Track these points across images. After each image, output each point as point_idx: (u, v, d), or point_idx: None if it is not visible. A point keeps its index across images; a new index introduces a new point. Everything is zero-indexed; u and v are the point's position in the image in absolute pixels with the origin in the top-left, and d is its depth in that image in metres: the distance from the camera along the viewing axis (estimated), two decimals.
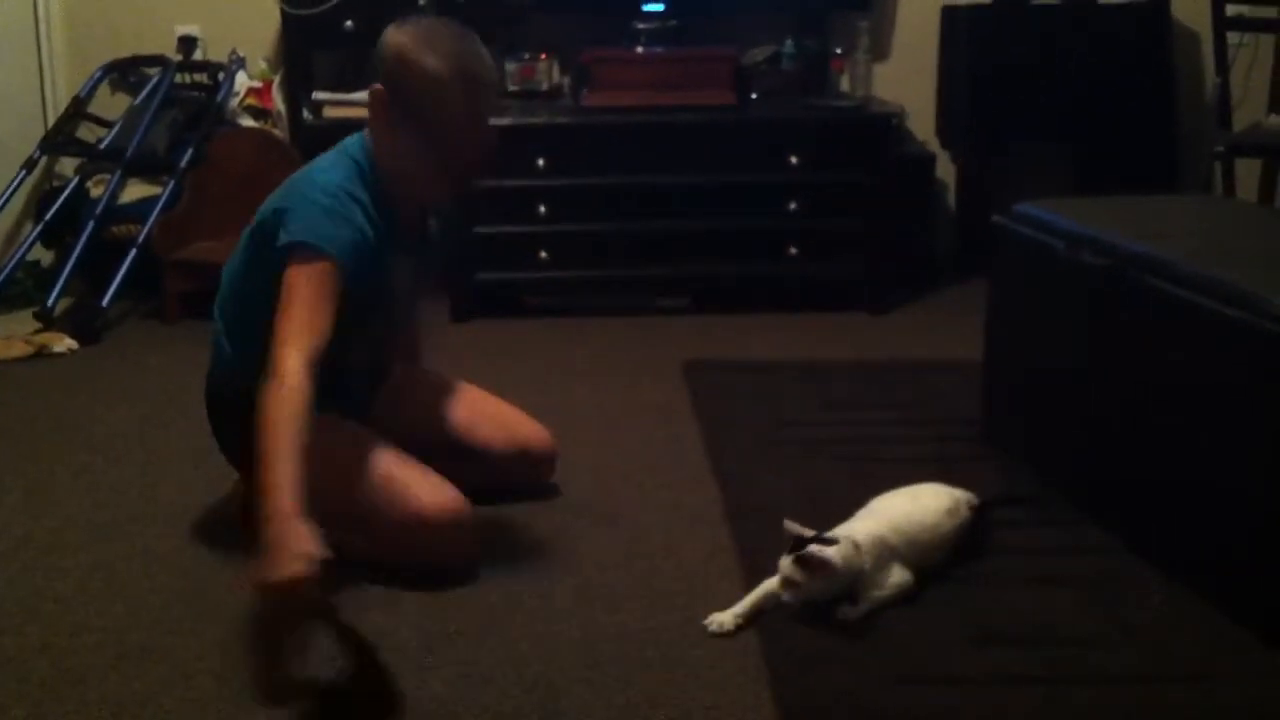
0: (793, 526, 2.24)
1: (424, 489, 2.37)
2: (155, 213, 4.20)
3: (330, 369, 2.22)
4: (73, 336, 3.91)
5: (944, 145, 4.77)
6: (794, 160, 4.23)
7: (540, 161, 4.16)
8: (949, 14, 4.67)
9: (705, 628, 2.20)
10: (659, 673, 2.08)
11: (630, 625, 2.24)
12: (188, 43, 4.62)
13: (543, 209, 4.17)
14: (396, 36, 2.29)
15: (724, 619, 2.21)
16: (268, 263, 2.28)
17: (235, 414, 2.29)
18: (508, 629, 2.23)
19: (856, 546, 2.22)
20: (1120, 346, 2.54)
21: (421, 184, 2.39)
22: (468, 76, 2.27)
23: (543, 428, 2.78)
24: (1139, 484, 2.49)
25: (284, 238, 2.25)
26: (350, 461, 2.39)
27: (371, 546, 2.39)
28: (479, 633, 2.21)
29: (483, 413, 2.75)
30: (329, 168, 2.35)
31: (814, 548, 2.18)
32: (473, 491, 2.44)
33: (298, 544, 1.90)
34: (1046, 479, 2.78)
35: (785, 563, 2.20)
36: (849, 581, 2.22)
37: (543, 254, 4.13)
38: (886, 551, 2.28)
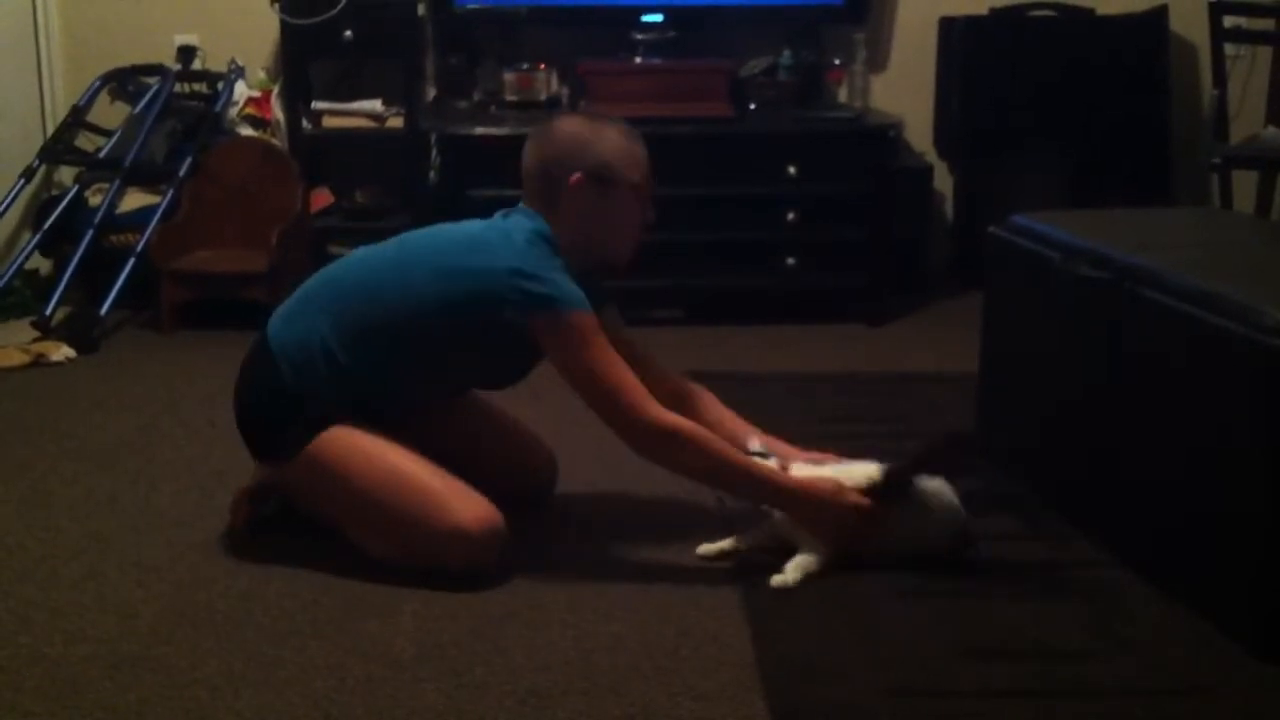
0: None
1: (462, 502, 2.42)
2: (153, 222, 4.20)
3: (420, 383, 2.52)
4: (70, 345, 3.91)
5: (941, 156, 4.78)
6: (791, 171, 4.24)
7: None
8: (946, 25, 4.69)
9: (691, 632, 2.21)
10: (653, 683, 2.08)
11: (624, 636, 2.24)
12: (186, 52, 4.63)
13: None
14: (566, 127, 2.59)
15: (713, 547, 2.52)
16: (483, 318, 2.41)
17: (282, 401, 2.47)
18: (502, 639, 2.23)
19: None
20: (1115, 359, 2.54)
21: (616, 246, 2.60)
22: (636, 136, 2.61)
23: (545, 445, 2.83)
24: (1132, 497, 2.49)
25: (531, 299, 2.38)
26: (391, 466, 2.45)
27: (396, 550, 2.44)
28: (473, 642, 2.21)
29: (486, 426, 2.77)
30: (520, 245, 2.45)
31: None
32: None
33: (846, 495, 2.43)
34: (1041, 492, 2.79)
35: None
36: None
37: None
38: None
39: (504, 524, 2.44)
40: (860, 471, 2.49)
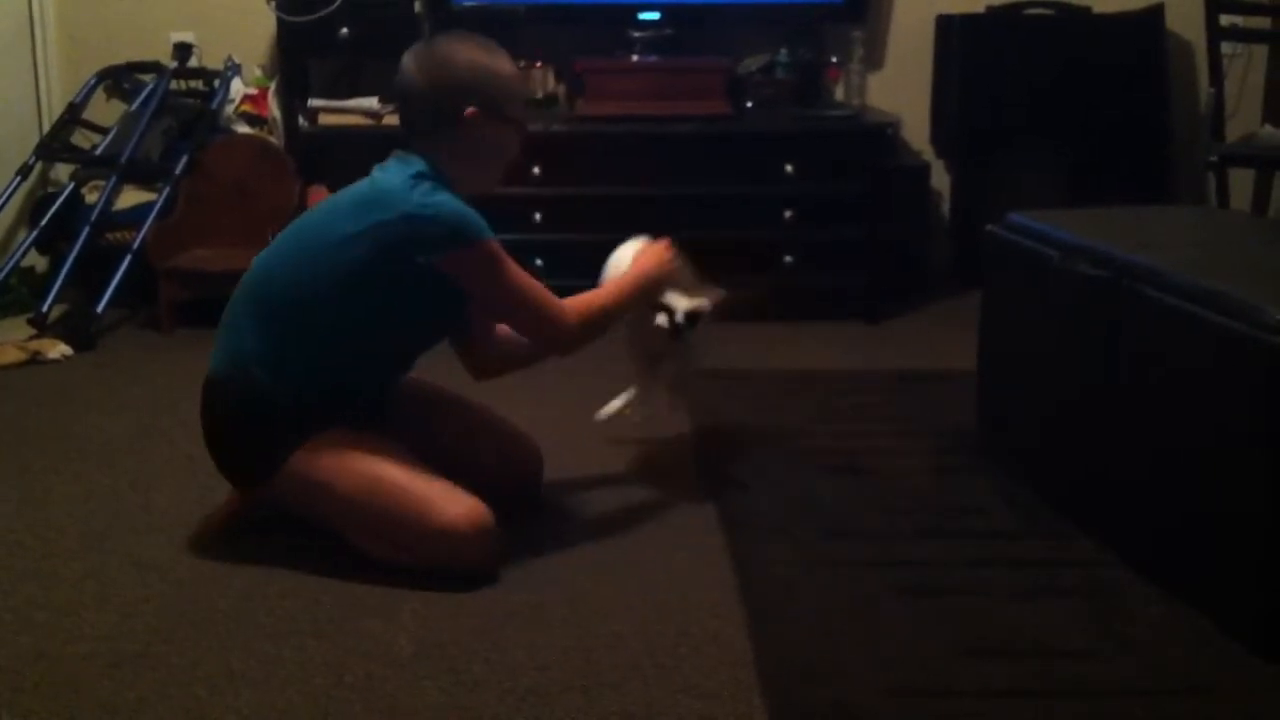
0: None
1: (449, 500, 2.42)
2: (150, 219, 4.20)
3: (365, 360, 2.52)
4: (67, 343, 3.90)
5: (938, 154, 4.78)
6: (789, 170, 4.24)
7: (535, 170, 4.17)
8: (943, 23, 4.69)
9: (691, 632, 2.21)
10: (653, 682, 2.08)
11: (623, 634, 2.23)
12: (183, 49, 4.62)
13: (538, 217, 4.17)
14: (462, 54, 2.51)
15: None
16: (393, 272, 2.41)
17: (245, 422, 2.47)
18: (501, 637, 2.23)
19: None
20: (1115, 357, 2.54)
21: (493, 177, 2.61)
22: (490, 46, 2.55)
23: (531, 439, 2.82)
24: (1132, 496, 2.49)
25: (436, 239, 2.39)
26: (373, 472, 2.44)
27: (393, 553, 2.44)
28: (473, 641, 2.21)
29: (473, 424, 2.77)
30: (413, 181, 2.44)
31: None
32: None
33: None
34: (1040, 490, 2.79)
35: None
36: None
37: (538, 262, 4.13)
38: None
39: (493, 520, 2.44)
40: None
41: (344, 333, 2.47)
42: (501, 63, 2.54)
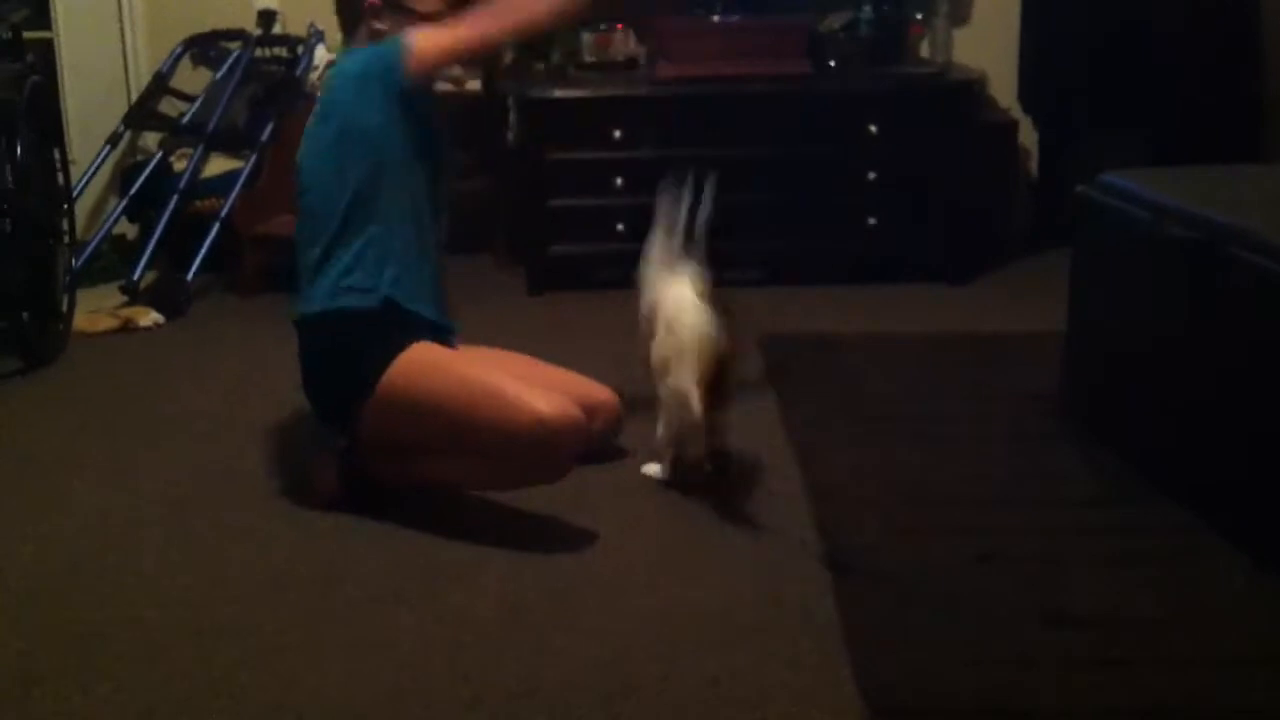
0: None
1: (537, 396, 2.44)
2: (236, 187, 4.24)
3: (410, 230, 2.63)
4: (158, 310, 3.96)
5: (1025, 110, 4.68)
6: (873, 130, 4.18)
7: (616, 134, 4.15)
8: None
9: (775, 599, 2.20)
10: (737, 649, 2.07)
11: (707, 601, 2.23)
12: (267, 17, 4.64)
13: (619, 182, 4.16)
14: None
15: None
16: (362, 127, 2.60)
17: (331, 349, 2.60)
18: (583, 603, 2.24)
19: None
20: (1209, 322, 2.48)
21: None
22: None
23: (603, 386, 2.81)
24: (1222, 463, 2.43)
25: (389, 49, 2.58)
26: (460, 374, 2.52)
27: (482, 465, 2.50)
28: (555, 607, 2.22)
29: (540, 376, 2.71)
30: (339, 71, 2.72)
31: None
32: None
33: None
34: (1126, 456, 2.73)
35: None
36: None
37: (619, 227, 4.12)
38: None
39: (583, 417, 2.47)
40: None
41: (360, 206, 2.58)
42: None
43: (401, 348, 2.53)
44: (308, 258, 2.63)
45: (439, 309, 2.70)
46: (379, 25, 2.67)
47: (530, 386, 2.48)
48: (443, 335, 2.67)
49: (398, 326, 2.57)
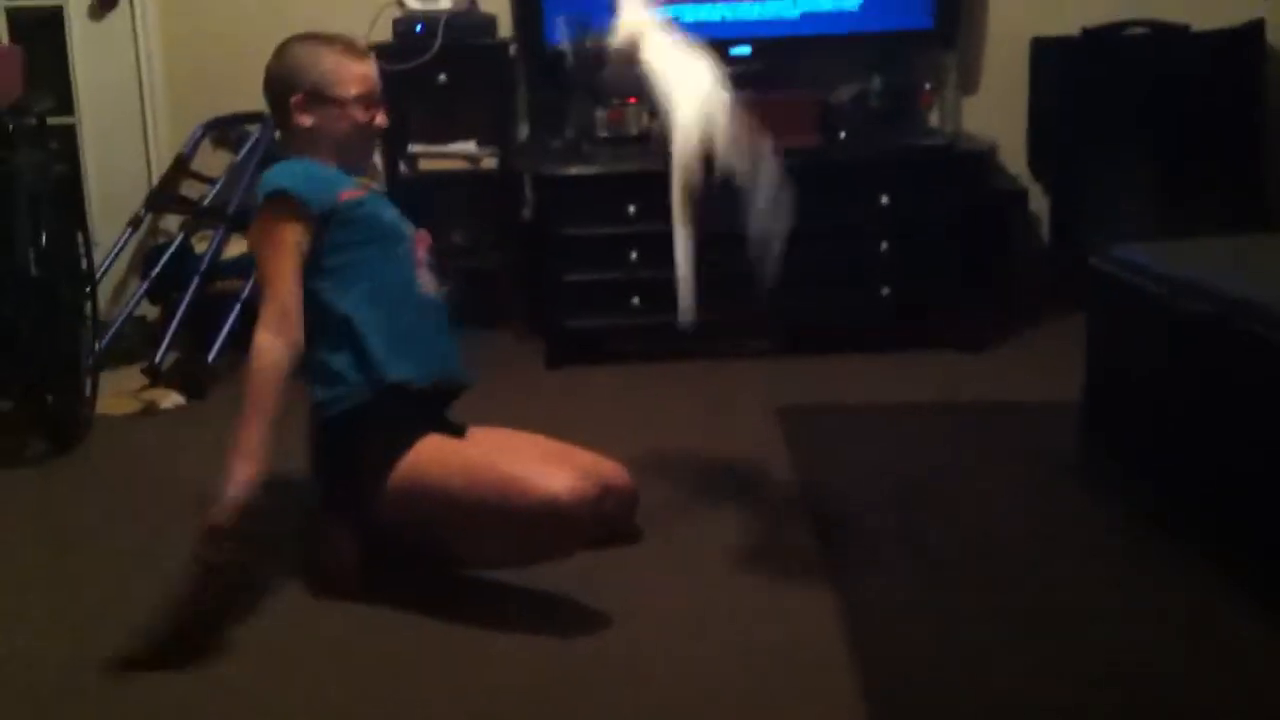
0: None
1: (548, 476, 2.44)
2: None
3: (405, 321, 2.64)
4: (180, 392, 4.00)
5: (1035, 177, 4.72)
6: (884, 200, 4.22)
7: (630, 209, 4.20)
8: (1038, 46, 4.64)
9: (795, 667, 2.21)
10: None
11: (729, 676, 2.24)
12: None
13: (634, 256, 4.20)
14: (289, 48, 2.79)
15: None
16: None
17: (340, 441, 2.63)
18: (596, 687, 2.24)
19: None
20: (1223, 393, 2.50)
21: (349, 156, 2.84)
22: (320, 38, 2.80)
23: (618, 465, 2.78)
24: (1243, 525, 2.45)
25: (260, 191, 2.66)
26: (470, 462, 2.53)
27: (496, 547, 2.53)
28: (565, 691, 2.22)
29: (553, 456, 2.70)
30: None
31: None
32: None
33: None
34: (1146, 520, 2.75)
35: None
36: None
37: (634, 300, 4.16)
38: None
39: (594, 493, 2.47)
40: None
41: (344, 295, 2.64)
42: (324, 51, 2.75)
43: (407, 445, 2.54)
44: (309, 347, 2.65)
45: (446, 362, 2.71)
46: (311, 119, 2.74)
47: (543, 464, 2.49)
48: (449, 396, 2.72)
49: (398, 416, 2.58)
